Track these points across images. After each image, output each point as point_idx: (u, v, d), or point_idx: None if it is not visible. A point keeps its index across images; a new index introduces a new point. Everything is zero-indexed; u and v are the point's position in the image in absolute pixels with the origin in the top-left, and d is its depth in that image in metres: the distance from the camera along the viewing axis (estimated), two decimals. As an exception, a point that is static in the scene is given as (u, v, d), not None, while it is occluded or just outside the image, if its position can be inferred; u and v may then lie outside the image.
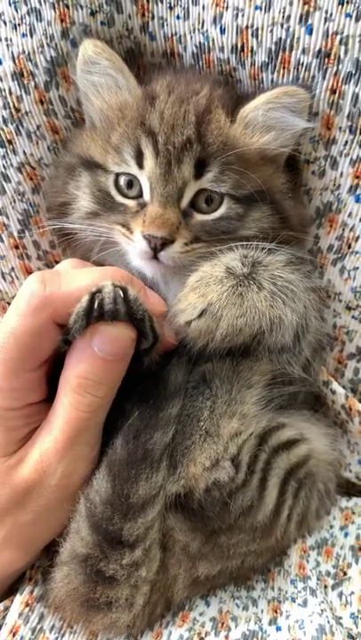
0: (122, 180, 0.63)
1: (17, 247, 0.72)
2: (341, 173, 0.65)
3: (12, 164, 0.69)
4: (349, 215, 0.66)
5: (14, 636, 0.60)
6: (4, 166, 0.68)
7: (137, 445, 0.58)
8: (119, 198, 0.64)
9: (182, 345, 0.60)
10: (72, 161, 0.66)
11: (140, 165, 0.62)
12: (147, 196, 0.62)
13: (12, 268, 0.73)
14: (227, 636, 0.62)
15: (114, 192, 0.64)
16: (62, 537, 0.60)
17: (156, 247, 0.60)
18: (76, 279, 0.56)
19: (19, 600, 0.62)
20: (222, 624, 0.63)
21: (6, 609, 0.62)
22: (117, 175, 0.64)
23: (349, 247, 0.68)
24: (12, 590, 0.65)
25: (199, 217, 0.62)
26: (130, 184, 0.63)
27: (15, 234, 0.72)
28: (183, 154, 0.60)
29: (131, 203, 0.63)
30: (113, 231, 0.64)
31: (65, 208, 0.67)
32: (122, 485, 0.57)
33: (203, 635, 0.62)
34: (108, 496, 0.57)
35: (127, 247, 0.64)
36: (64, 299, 0.54)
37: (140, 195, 0.63)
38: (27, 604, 0.62)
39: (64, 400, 0.57)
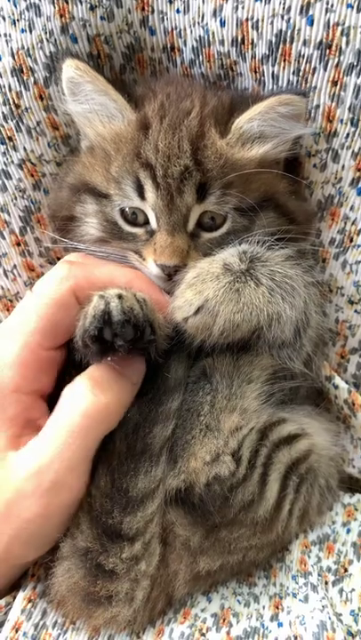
0: (127, 211, 0.64)
1: (19, 244, 0.73)
2: (343, 166, 0.65)
3: (12, 161, 0.69)
4: (351, 208, 0.66)
5: (17, 632, 0.60)
6: (4, 163, 0.69)
7: (136, 439, 0.58)
8: (128, 228, 0.64)
9: (181, 340, 0.60)
10: (76, 184, 0.66)
11: (142, 197, 0.62)
12: (154, 224, 0.63)
13: (15, 266, 0.74)
14: (228, 632, 0.62)
15: (121, 222, 0.64)
16: (63, 532, 0.60)
17: (170, 274, 0.61)
18: (99, 267, 0.62)
19: (21, 596, 0.62)
20: (224, 620, 0.63)
21: (8, 605, 0.63)
22: (122, 208, 0.64)
23: (351, 241, 0.67)
24: (13, 587, 0.65)
25: (207, 235, 0.63)
26: (135, 213, 0.64)
27: (17, 231, 0.72)
28: (183, 183, 0.60)
29: (139, 231, 0.64)
30: (125, 253, 0.64)
31: (70, 222, 0.67)
32: (121, 479, 0.57)
33: (204, 630, 0.62)
34: (107, 489, 0.57)
35: (141, 268, 0.64)
36: (87, 276, 0.59)
37: (147, 222, 0.63)
38: (29, 601, 0.62)
39: (64, 403, 0.57)
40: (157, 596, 0.62)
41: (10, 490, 0.55)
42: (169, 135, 0.61)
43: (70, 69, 0.62)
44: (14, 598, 0.63)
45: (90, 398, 0.55)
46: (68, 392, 0.57)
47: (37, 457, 0.55)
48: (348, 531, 0.69)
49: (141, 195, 0.62)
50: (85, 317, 0.55)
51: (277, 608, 0.63)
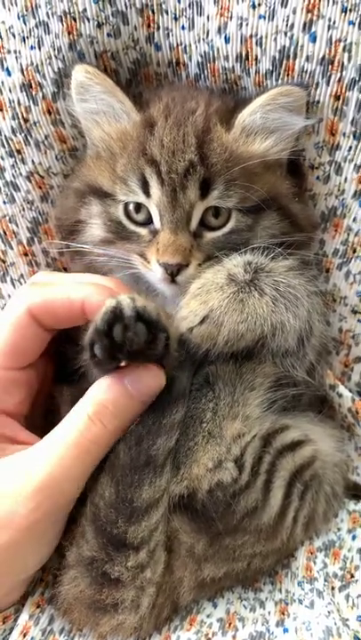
0: (130, 206, 0.65)
1: (26, 254, 0.74)
2: (346, 179, 0.66)
3: (20, 173, 0.70)
4: (354, 220, 0.67)
5: (25, 636, 0.60)
6: (13, 175, 0.70)
7: (139, 451, 0.57)
8: (131, 227, 0.65)
9: (185, 350, 0.61)
10: (81, 187, 0.68)
11: (148, 194, 0.63)
12: (157, 223, 0.63)
13: (22, 275, 0.75)
14: (234, 636, 0.62)
15: (125, 221, 0.65)
16: (69, 541, 0.60)
17: (173, 273, 0.62)
18: (58, 286, 0.60)
19: (30, 601, 0.63)
20: (229, 624, 0.63)
21: (17, 612, 0.63)
22: (126, 203, 0.65)
23: (354, 252, 0.68)
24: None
25: (210, 235, 0.64)
26: (138, 208, 0.64)
27: (24, 241, 0.73)
28: (187, 179, 0.61)
29: (143, 231, 0.64)
30: (130, 257, 0.65)
31: (77, 227, 0.68)
32: (125, 490, 0.57)
33: (210, 635, 0.62)
34: (111, 500, 0.57)
35: (146, 273, 0.65)
36: (43, 295, 0.58)
37: (150, 221, 0.64)
38: (37, 606, 0.63)
39: (70, 423, 0.55)
40: (163, 602, 0.62)
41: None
42: (174, 131, 0.62)
43: (80, 74, 0.64)
44: (23, 605, 0.64)
45: (90, 426, 0.54)
46: (72, 414, 0.55)
47: (36, 471, 0.54)
48: (354, 537, 0.69)
49: (146, 191, 0.63)
50: (96, 320, 0.52)
51: (283, 614, 0.64)
